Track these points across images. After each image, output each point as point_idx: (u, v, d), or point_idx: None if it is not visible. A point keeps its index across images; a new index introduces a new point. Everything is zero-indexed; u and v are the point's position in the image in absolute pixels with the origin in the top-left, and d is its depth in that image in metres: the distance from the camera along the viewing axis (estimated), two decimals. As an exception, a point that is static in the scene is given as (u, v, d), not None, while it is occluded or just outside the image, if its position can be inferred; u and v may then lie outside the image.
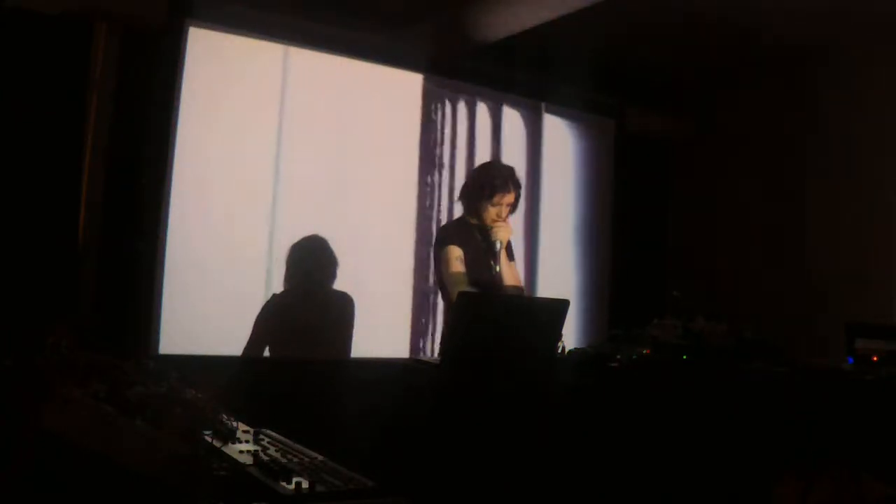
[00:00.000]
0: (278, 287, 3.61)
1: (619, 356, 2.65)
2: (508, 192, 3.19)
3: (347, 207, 4.07)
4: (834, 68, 4.25)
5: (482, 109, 4.57)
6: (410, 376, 2.83)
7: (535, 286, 4.69)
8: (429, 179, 4.37)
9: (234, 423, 1.41)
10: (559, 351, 2.72)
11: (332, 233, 3.63)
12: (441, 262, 3.17)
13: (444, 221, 4.33)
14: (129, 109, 3.41)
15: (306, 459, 1.25)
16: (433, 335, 4.24)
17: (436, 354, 3.83)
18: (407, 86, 4.33)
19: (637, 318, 3.53)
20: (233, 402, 1.47)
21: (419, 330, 4.26)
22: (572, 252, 4.94)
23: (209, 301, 3.65)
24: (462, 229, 3.25)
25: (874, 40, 4.02)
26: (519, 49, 4.21)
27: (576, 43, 4.27)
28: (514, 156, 4.66)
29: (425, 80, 4.34)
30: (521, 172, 3.50)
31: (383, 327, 4.00)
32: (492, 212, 3.17)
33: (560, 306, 2.68)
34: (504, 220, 3.19)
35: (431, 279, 4.22)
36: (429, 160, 4.38)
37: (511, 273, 3.25)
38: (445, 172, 4.43)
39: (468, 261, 3.14)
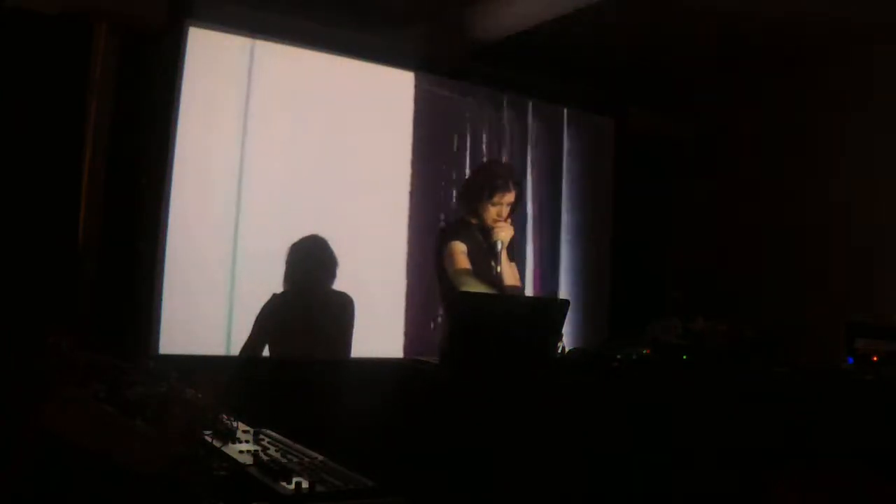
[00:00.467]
0: (279, 287, 3.61)
1: (619, 356, 2.65)
2: (508, 191, 3.18)
3: (348, 207, 4.07)
4: (834, 68, 4.25)
5: (481, 109, 4.57)
6: (410, 376, 2.83)
7: (534, 286, 4.69)
8: (428, 179, 4.37)
9: (234, 423, 1.41)
10: (559, 351, 2.72)
11: (333, 232, 3.63)
12: (445, 257, 3.15)
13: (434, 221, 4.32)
14: (129, 109, 3.41)
15: (306, 459, 1.25)
16: (429, 335, 4.23)
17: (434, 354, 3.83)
18: (403, 85, 4.33)
19: (637, 317, 3.53)
20: (233, 402, 1.47)
21: (412, 330, 4.24)
22: (572, 251, 4.94)
23: (209, 301, 3.65)
24: (463, 229, 3.24)
25: (874, 40, 4.02)
26: (519, 49, 4.21)
27: (576, 43, 4.27)
28: (514, 156, 4.66)
29: (417, 78, 4.34)
30: (521, 172, 3.51)
31: (376, 327, 3.99)
32: (492, 211, 3.16)
33: (560, 306, 2.69)
34: (505, 220, 3.19)
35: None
36: (427, 159, 4.37)
37: (511, 273, 3.24)
38: (445, 172, 4.42)
39: (469, 261, 3.14)
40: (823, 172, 4.26)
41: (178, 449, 1.13)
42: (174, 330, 3.54)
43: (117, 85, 3.40)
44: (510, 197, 3.19)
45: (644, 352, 2.67)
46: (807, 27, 3.96)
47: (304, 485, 1.10)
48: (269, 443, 1.34)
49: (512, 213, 3.24)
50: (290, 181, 3.90)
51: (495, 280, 3.12)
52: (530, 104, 4.77)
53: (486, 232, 3.20)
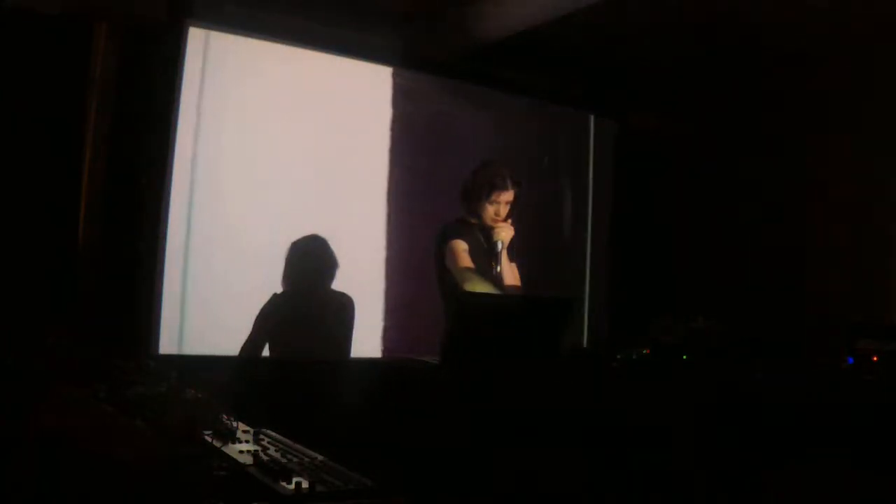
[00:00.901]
0: (279, 286, 3.61)
1: (619, 356, 2.65)
2: (507, 190, 3.18)
3: (349, 207, 4.07)
4: (834, 68, 4.25)
5: (481, 109, 4.57)
6: (410, 376, 2.84)
7: (535, 285, 4.68)
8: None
9: (234, 423, 1.41)
10: (560, 350, 2.72)
11: (333, 232, 3.63)
12: (447, 256, 3.15)
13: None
14: (129, 109, 3.41)
15: (306, 459, 1.25)
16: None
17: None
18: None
19: (637, 317, 3.53)
20: (233, 402, 1.47)
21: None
22: (572, 251, 4.94)
23: (209, 301, 3.65)
24: (462, 229, 3.25)
25: (875, 40, 4.02)
26: (519, 49, 4.21)
27: (576, 43, 4.27)
28: (514, 155, 4.66)
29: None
30: (521, 173, 3.50)
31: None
32: (490, 210, 3.16)
33: (561, 305, 2.69)
34: (504, 220, 3.19)
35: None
36: (414, 157, 4.37)
37: (512, 274, 3.24)
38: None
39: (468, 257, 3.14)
40: (823, 172, 4.26)
41: (178, 449, 1.13)
42: (174, 330, 3.54)
43: (117, 85, 3.40)
44: (508, 196, 3.19)
45: (644, 352, 2.67)
46: (807, 27, 3.95)
47: (304, 485, 1.10)
48: (269, 443, 1.34)
49: (512, 213, 3.24)
50: (290, 181, 3.90)
51: (495, 280, 3.12)
52: (529, 104, 4.77)
53: (487, 232, 3.20)
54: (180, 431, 1.18)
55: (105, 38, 3.36)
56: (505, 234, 3.17)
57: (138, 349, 3.36)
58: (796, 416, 2.37)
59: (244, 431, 1.40)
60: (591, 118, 5.05)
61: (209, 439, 1.26)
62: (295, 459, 1.25)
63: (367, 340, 3.99)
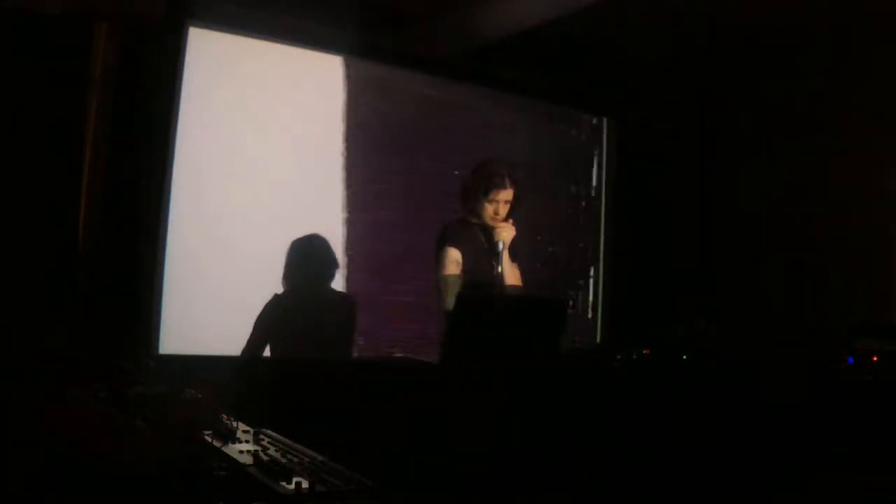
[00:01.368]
0: (279, 286, 3.61)
1: (619, 356, 2.65)
2: (505, 188, 3.17)
3: (348, 206, 4.07)
4: (834, 67, 4.25)
5: (481, 109, 4.57)
6: (410, 376, 2.83)
7: (535, 286, 4.69)
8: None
9: (234, 423, 1.41)
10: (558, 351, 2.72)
11: (332, 232, 3.64)
12: (438, 263, 3.17)
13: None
14: (129, 110, 3.41)
15: (306, 459, 1.25)
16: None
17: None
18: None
19: (637, 317, 3.53)
20: (233, 402, 1.47)
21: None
22: (571, 251, 4.94)
23: (210, 301, 3.65)
24: (463, 229, 3.24)
25: (875, 40, 4.01)
26: (519, 49, 4.21)
27: (576, 43, 4.27)
28: (513, 156, 4.66)
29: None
30: (521, 173, 3.49)
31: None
32: (489, 209, 3.16)
33: (561, 306, 2.69)
34: (504, 219, 3.18)
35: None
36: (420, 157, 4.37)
37: (513, 274, 3.23)
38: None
39: (469, 261, 3.14)
40: (823, 172, 4.26)
41: (178, 449, 1.13)
42: (174, 330, 3.54)
43: (117, 85, 3.40)
44: (507, 195, 3.18)
45: (644, 352, 2.67)
46: (807, 27, 3.95)
47: (304, 485, 1.10)
48: (269, 443, 1.34)
49: (512, 212, 3.23)
50: (290, 181, 3.90)
51: (496, 280, 3.12)
52: (529, 104, 4.77)
53: (487, 231, 3.19)
54: (180, 431, 1.18)
55: (105, 38, 3.36)
56: (506, 234, 3.16)
57: (138, 349, 3.36)
58: (796, 416, 2.38)
59: (244, 431, 1.40)
60: (591, 118, 5.05)
61: (209, 439, 1.26)
62: (295, 459, 1.25)
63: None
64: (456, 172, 4.17)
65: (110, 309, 3.30)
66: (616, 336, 4.81)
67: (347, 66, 4.12)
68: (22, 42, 3.21)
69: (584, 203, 5.01)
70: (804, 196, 4.32)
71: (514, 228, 3.22)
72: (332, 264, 3.49)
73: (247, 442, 1.34)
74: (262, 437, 1.39)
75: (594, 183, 5.05)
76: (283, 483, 1.11)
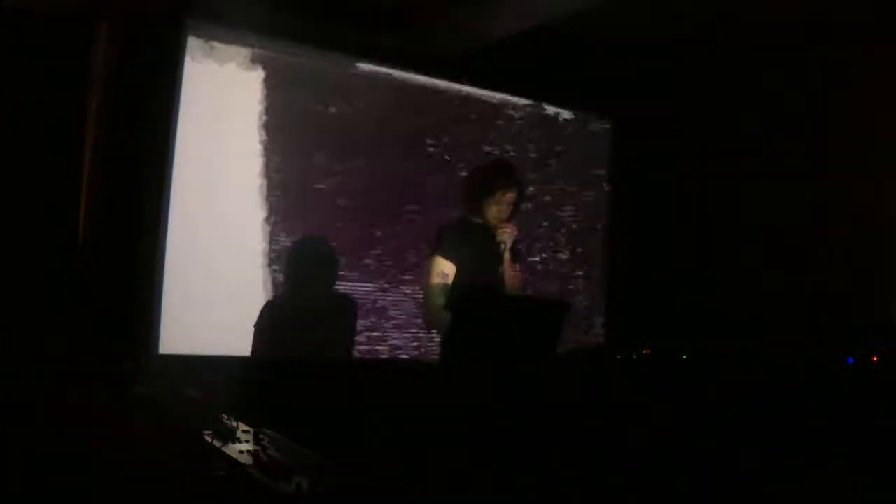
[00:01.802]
0: (279, 287, 3.62)
1: (619, 356, 2.65)
2: (510, 189, 3.13)
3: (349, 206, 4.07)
4: (834, 67, 4.25)
5: (482, 109, 4.57)
6: (410, 376, 2.83)
7: (535, 286, 4.69)
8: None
9: (234, 423, 1.41)
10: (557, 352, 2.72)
11: (329, 233, 3.63)
12: (426, 270, 3.14)
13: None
14: (130, 109, 3.41)
15: (306, 459, 1.25)
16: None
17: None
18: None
19: (637, 317, 3.53)
20: (233, 402, 1.47)
21: None
22: (571, 251, 4.94)
23: (210, 301, 3.65)
24: (460, 230, 3.21)
25: (875, 40, 4.01)
26: (518, 49, 4.21)
27: (576, 43, 4.27)
28: (513, 156, 4.66)
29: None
30: (521, 174, 3.48)
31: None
32: (493, 210, 3.12)
33: (561, 307, 2.69)
34: (507, 221, 3.15)
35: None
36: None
37: (515, 276, 3.19)
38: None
39: (468, 264, 3.10)
40: (824, 172, 4.26)
41: (179, 449, 1.13)
42: (174, 330, 3.54)
43: (117, 85, 3.40)
44: (511, 195, 3.15)
45: (644, 352, 2.67)
46: (807, 27, 3.95)
47: (304, 485, 1.10)
48: (269, 443, 1.34)
49: (515, 212, 3.20)
50: (289, 181, 3.90)
51: (497, 282, 3.09)
52: (528, 104, 4.77)
53: (488, 231, 3.16)
54: (180, 431, 1.18)
55: (105, 38, 3.36)
56: (509, 235, 3.13)
57: (138, 349, 3.36)
58: (796, 416, 2.38)
59: (244, 431, 1.40)
60: (591, 118, 5.05)
61: (209, 439, 1.26)
62: (295, 459, 1.25)
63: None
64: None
65: (110, 309, 3.30)
66: (616, 336, 4.81)
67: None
68: (22, 42, 3.21)
69: (584, 203, 5.00)
70: (804, 196, 4.32)
71: (516, 229, 3.18)
72: (333, 266, 3.48)
73: (247, 442, 1.34)
74: (262, 437, 1.39)
75: (593, 182, 5.05)
76: (283, 483, 1.11)
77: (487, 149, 4.57)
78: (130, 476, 1.07)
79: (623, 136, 5.10)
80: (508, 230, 3.13)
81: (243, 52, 3.77)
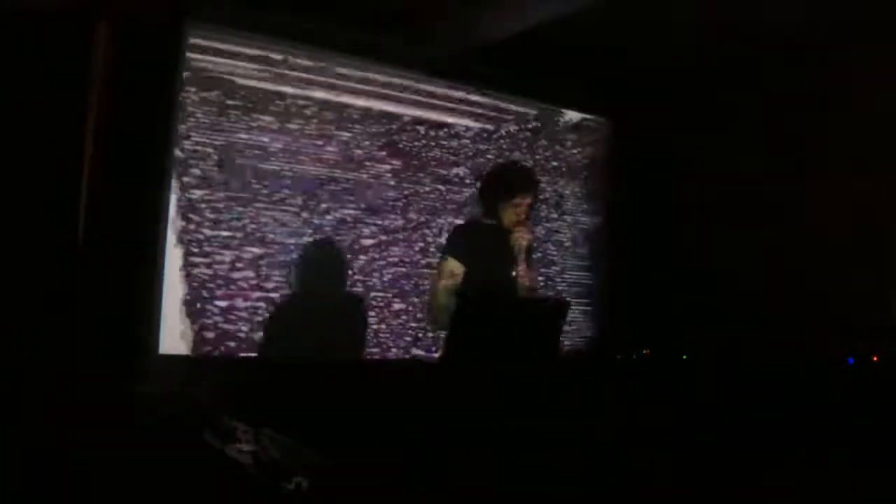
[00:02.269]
0: (278, 286, 3.63)
1: (619, 356, 2.65)
2: (528, 192, 3.18)
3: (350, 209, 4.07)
4: (834, 67, 4.25)
5: (482, 109, 4.57)
6: (410, 376, 2.83)
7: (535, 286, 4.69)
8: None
9: (234, 423, 1.41)
10: (560, 351, 2.72)
11: (338, 235, 3.64)
12: (437, 271, 3.16)
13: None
14: (130, 108, 3.41)
15: (306, 459, 1.25)
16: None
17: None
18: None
19: (637, 317, 3.53)
20: (233, 402, 1.47)
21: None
22: (572, 251, 4.94)
23: (209, 300, 3.65)
24: (475, 232, 3.23)
25: (875, 40, 4.01)
26: (518, 49, 4.21)
27: (575, 43, 4.27)
28: (513, 157, 4.66)
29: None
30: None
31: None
32: (510, 213, 3.16)
33: (560, 307, 2.69)
34: (524, 223, 3.18)
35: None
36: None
37: (529, 277, 3.22)
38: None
39: (480, 265, 3.12)
40: (823, 172, 4.26)
41: (178, 448, 1.13)
42: (174, 330, 3.54)
43: (117, 85, 3.40)
44: (528, 198, 3.19)
45: (644, 352, 2.67)
46: (807, 27, 3.95)
47: (304, 485, 1.10)
48: (269, 443, 1.34)
49: (530, 215, 3.23)
50: (291, 180, 3.89)
51: (510, 283, 3.12)
52: (528, 104, 4.76)
53: (503, 233, 3.18)
54: (181, 431, 1.18)
55: (105, 38, 3.36)
56: (525, 237, 3.17)
57: (138, 349, 3.36)
58: (796, 416, 2.38)
59: (244, 431, 1.40)
60: (590, 118, 5.05)
61: (209, 439, 1.26)
62: (295, 459, 1.25)
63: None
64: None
65: (110, 309, 3.30)
66: (616, 336, 4.80)
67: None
68: (22, 42, 3.21)
69: (583, 203, 5.00)
70: (804, 195, 4.32)
71: (531, 232, 3.22)
72: (342, 265, 3.50)
73: (247, 442, 1.34)
74: (262, 437, 1.39)
75: (594, 183, 5.05)
76: (283, 483, 1.11)
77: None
78: (130, 476, 1.07)
79: (623, 136, 5.09)
80: (526, 234, 3.16)
81: (243, 52, 3.76)
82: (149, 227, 3.50)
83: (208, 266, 3.61)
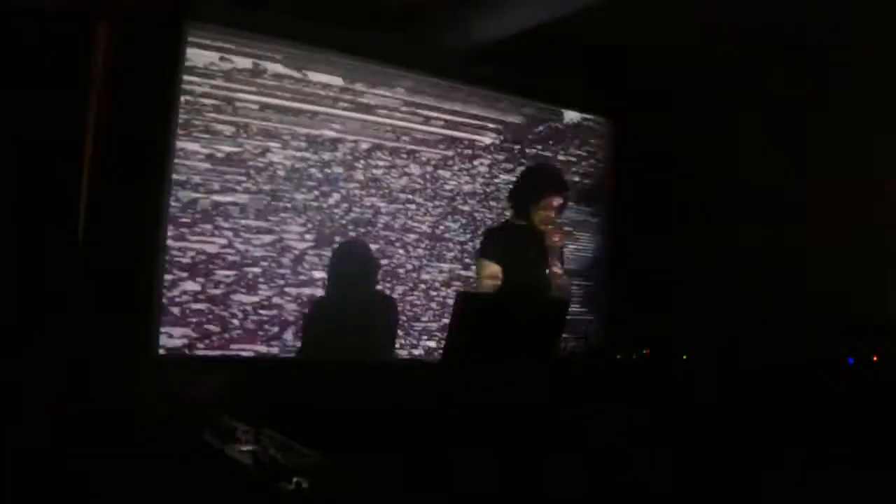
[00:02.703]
0: (278, 286, 3.63)
1: (619, 356, 2.65)
2: (558, 193, 3.22)
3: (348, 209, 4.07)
4: (834, 68, 4.25)
5: (482, 109, 4.57)
6: (411, 376, 2.84)
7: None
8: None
9: (234, 423, 1.41)
10: (561, 350, 2.73)
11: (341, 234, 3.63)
12: (477, 272, 3.25)
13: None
14: (130, 109, 3.41)
15: (306, 459, 1.25)
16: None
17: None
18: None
19: (637, 317, 3.53)
20: (233, 402, 1.47)
21: None
22: (572, 252, 4.94)
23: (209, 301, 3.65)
24: (507, 234, 3.27)
25: (875, 40, 4.01)
26: (518, 49, 4.21)
27: (575, 43, 4.27)
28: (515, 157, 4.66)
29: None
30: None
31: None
32: (541, 214, 3.20)
33: (560, 306, 2.69)
34: (555, 224, 3.22)
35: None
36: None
37: (561, 278, 3.26)
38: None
39: (514, 267, 3.16)
40: (824, 172, 4.26)
41: (178, 448, 1.13)
42: (174, 330, 3.54)
43: (117, 84, 3.40)
44: (559, 200, 3.23)
45: (644, 352, 2.68)
46: (807, 27, 3.95)
47: (304, 485, 1.10)
48: (269, 443, 1.34)
49: (560, 216, 3.29)
50: (290, 181, 3.90)
51: (543, 284, 3.15)
52: (528, 105, 4.77)
53: (534, 234, 3.21)
54: (181, 431, 1.18)
55: (105, 38, 3.36)
56: (557, 238, 3.21)
57: (138, 349, 3.36)
58: (796, 416, 2.38)
59: (244, 431, 1.40)
60: (590, 118, 5.05)
61: (209, 439, 1.27)
62: (295, 459, 1.25)
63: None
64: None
65: (110, 309, 3.30)
66: (616, 336, 4.80)
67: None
68: (22, 42, 3.21)
69: (583, 203, 5.00)
70: (804, 195, 4.32)
71: (563, 234, 3.27)
72: (373, 266, 3.61)
73: (247, 442, 1.34)
74: (262, 437, 1.39)
75: (594, 183, 5.05)
76: (283, 483, 1.11)
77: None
78: (130, 476, 1.07)
79: (623, 136, 5.10)
80: (558, 234, 3.21)
81: (242, 50, 3.76)
82: (149, 227, 3.50)
83: (208, 266, 3.62)
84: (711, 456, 2.35)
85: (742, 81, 4.64)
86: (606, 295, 5.02)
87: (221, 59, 3.68)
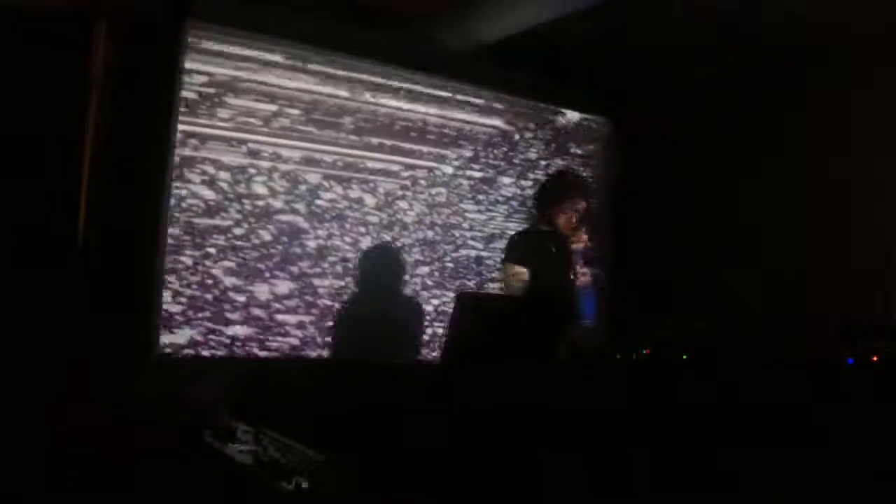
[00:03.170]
0: (278, 286, 3.64)
1: (619, 356, 2.65)
2: (581, 198, 3.31)
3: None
4: (834, 68, 4.25)
5: (483, 109, 4.57)
6: (411, 376, 2.84)
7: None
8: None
9: (234, 423, 1.41)
10: (560, 350, 2.73)
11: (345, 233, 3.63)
12: (503, 277, 3.28)
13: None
14: (129, 109, 3.41)
15: (306, 459, 1.25)
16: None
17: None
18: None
19: (637, 317, 3.53)
20: (233, 402, 1.48)
21: None
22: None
23: (209, 301, 3.65)
24: (532, 239, 3.34)
25: (875, 40, 4.01)
26: (518, 49, 4.21)
27: (575, 43, 4.27)
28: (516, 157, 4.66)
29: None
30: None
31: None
32: (563, 218, 3.29)
33: (561, 306, 2.69)
34: (579, 229, 3.31)
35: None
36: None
37: (586, 281, 3.35)
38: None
39: (540, 271, 3.23)
40: (823, 172, 4.26)
41: (178, 448, 1.13)
42: (174, 329, 3.54)
43: (117, 85, 3.40)
44: (581, 204, 3.32)
45: (644, 352, 2.68)
46: (807, 27, 3.95)
47: (304, 485, 1.10)
48: (269, 443, 1.34)
49: (583, 221, 3.36)
50: (291, 181, 3.90)
51: (569, 287, 3.22)
52: (528, 105, 4.77)
53: (559, 239, 3.30)
54: (181, 431, 1.18)
55: (105, 38, 3.36)
56: (580, 243, 3.29)
57: (138, 349, 3.36)
58: (796, 417, 2.38)
59: (244, 431, 1.41)
60: (590, 118, 5.05)
61: (209, 439, 1.27)
62: (295, 459, 1.25)
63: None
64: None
65: (110, 309, 3.30)
66: (616, 336, 4.80)
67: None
68: (22, 42, 3.21)
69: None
70: (804, 195, 4.32)
71: (586, 237, 3.33)
72: (401, 270, 3.66)
73: (247, 442, 1.34)
74: (262, 437, 1.39)
75: (594, 183, 5.05)
76: (283, 483, 1.11)
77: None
78: (130, 476, 1.07)
79: (623, 136, 5.09)
80: (581, 238, 3.29)
81: (242, 50, 3.76)
82: (149, 227, 3.50)
83: (209, 266, 3.62)
84: (710, 455, 2.35)
85: (742, 81, 4.64)
86: (606, 295, 5.02)
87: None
